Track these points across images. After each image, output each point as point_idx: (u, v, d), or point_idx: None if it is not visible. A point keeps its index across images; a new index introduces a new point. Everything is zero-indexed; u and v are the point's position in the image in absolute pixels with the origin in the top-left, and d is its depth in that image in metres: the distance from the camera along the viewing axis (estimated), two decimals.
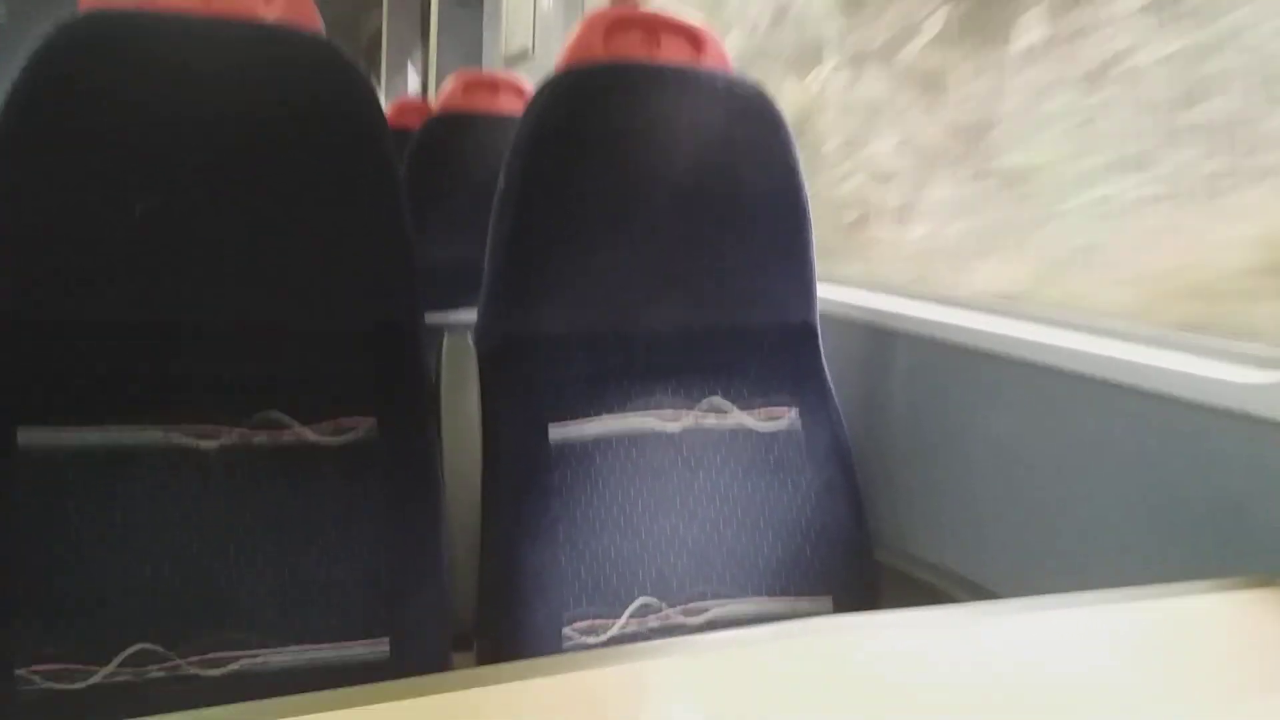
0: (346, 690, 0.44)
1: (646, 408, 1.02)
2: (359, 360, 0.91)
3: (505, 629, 0.92)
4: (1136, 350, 0.87)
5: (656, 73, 1.06)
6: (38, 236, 0.82)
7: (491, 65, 3.16)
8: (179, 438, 0.84)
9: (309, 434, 0.87)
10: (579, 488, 0.97)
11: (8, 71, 0.81)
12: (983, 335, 1.01)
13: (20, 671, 0.76)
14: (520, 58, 2.77)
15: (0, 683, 0.75)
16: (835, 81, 1.73)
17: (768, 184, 1.08)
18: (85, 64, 0.82)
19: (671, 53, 1.13)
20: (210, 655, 0.81)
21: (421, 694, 0.45)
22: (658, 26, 1.13)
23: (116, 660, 0.78)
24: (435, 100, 2.11)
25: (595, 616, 0.94)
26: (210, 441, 0.85)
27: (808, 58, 1.80)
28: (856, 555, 1.05)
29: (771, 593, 1.00)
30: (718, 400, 1.05)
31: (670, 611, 0.96)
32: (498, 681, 0.47)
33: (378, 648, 0.85)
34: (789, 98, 1.71)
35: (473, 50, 3.39)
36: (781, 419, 1.06)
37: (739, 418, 1.05)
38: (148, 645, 0.79)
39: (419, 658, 0.86)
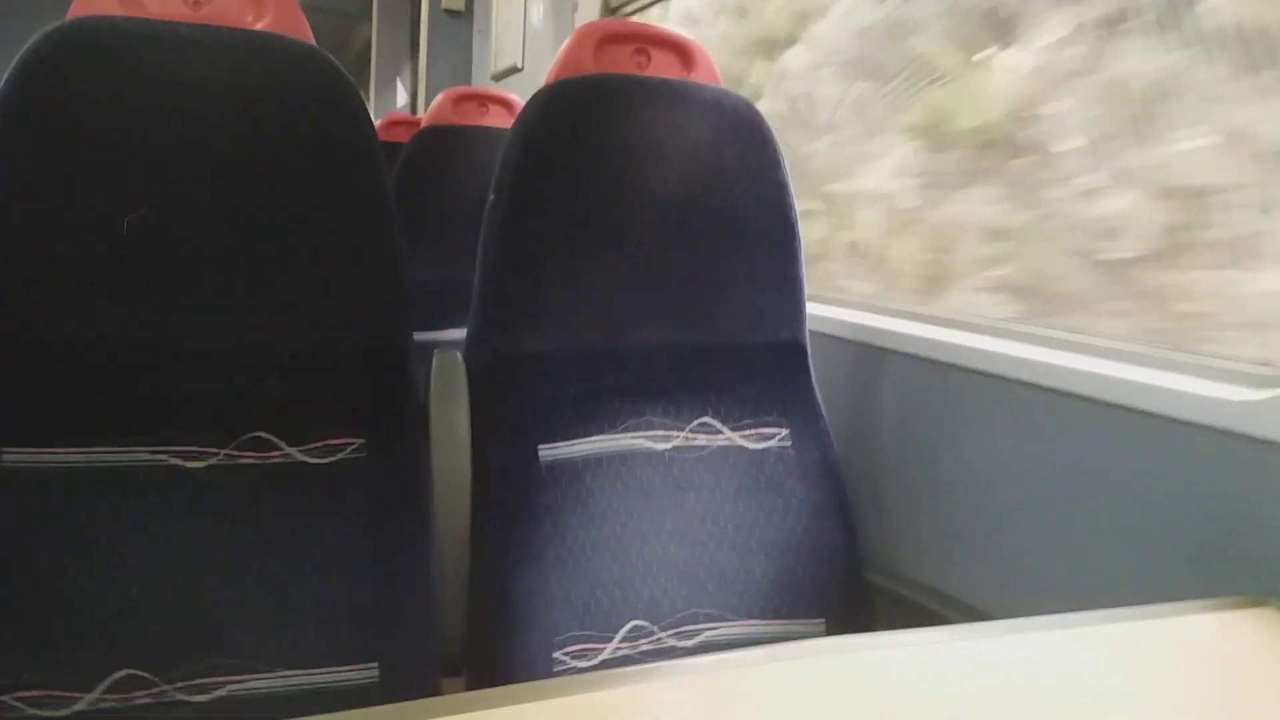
0: (335, 716, 0.43)
1: (637, 428, 1.02)
2: (348, 379, 0.90)
3: (496, 653, 0.91)
4: (1128, 369, 0.87)
5: (646, 86, 1.06)
6: (22, 253, 0.81)
7: (481, 81, 3.17)
8: (166, 459, 0.83)
9: (297, 454, 0.87)
10: (570, 509, 0.96)
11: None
12: (974, 354, 1.01)
13: (4, 698, 0.75)
14: (510, 73, 2.78)
15: None
16: (1062, 54, 1.17)
17: (757, 200, 1.08)
18: (72, 72, 0.81)
19: (661, 67, 1.13)
20: (197, 681, 0.79)
21: (411, 719, 0.44)
22: (647, 41, 1.13)
23: (102, 686, 0.77)
24: (425, 115, 2.11)
25: (587, 640, 0.93)
26: (198, 462, 0.84)
27: (983, 27, 1.30)
28: (848, 576, 1.05)
29: (764, 615, 0.99)
30: (708, 420, 1.04)
31: (662, 635, 0.96)
32: (488, 706, 0.46)
33: (367, 673, 0.84)
34: (966, 83, 1.32)
35: (462, 65, 3.40)
36: (772, 438, 1.06)
37: (729, 437, 1.05)
38: (134, 671, 0.78)
39: (408, 683, 0.85)
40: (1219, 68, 0.96)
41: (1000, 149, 1.25)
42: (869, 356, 1.16)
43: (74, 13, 0.87)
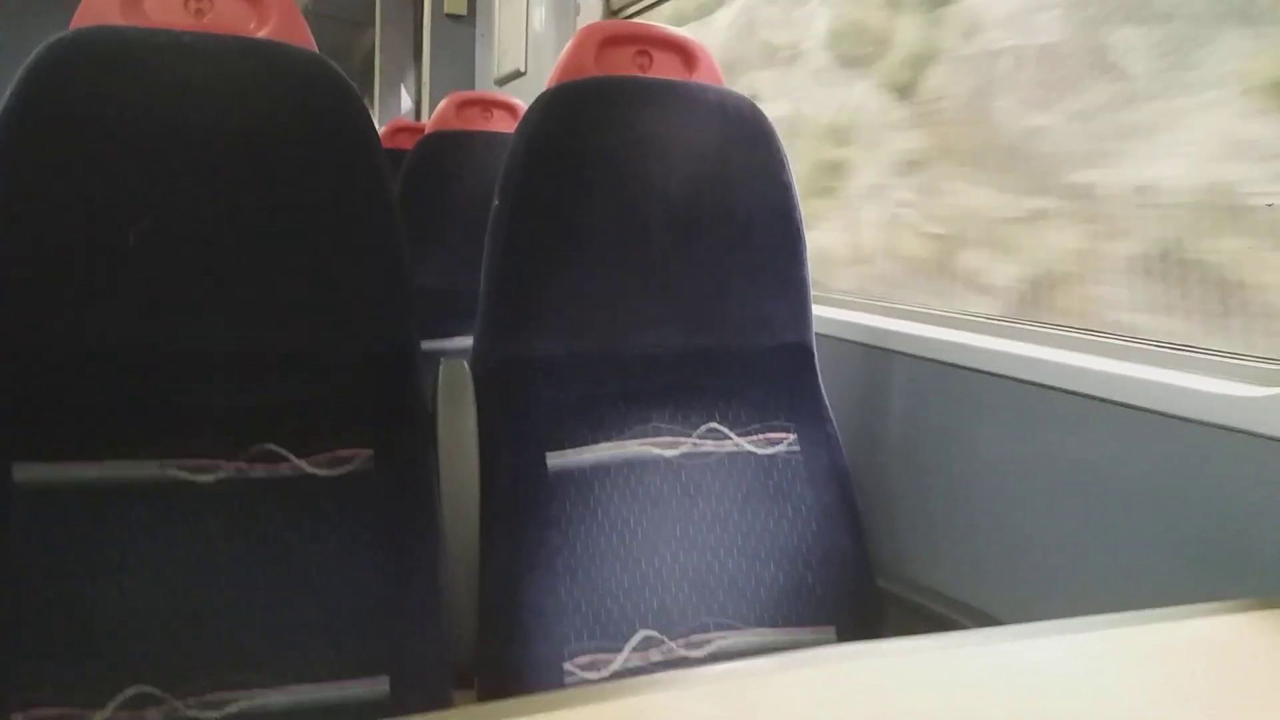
0: None
1: (645, 434, 1.01)
2: (355, 388, 0.90)
3: (506, 665, 0.91)
4: (1139, 368, 0.86)
5: (648, 88, 1.05)
6: (28, 262, 0.81)
7: (485, 85, 3.17)
8: (175, 472, 0.83)
9: (306, 466, 0.87)
10: (578, 517, 0.96)
11: (2, 89, 0.81)
12: (981, 354, 1.00)
13: (15, 716, 0.75)
14: (513, 77, 2.78)
15: None
16: None
17: (762, 202, 1.07)
18: (76, 82, 0.81)
19: (664, 69, 1.13)
20: (209, 696, 0.79)
21: None
22: (649, 42, 1.12)
23: (114, 704, 0.77)
24: (428, 121, 2.11)
25: (597, 651, 0.93)
26: (207, 475, 0.84)
27: None
28: (858, 582, 1.04)
29: (774, 624, 0.99)
30: (716, 425, 1.04)
31: (673, 644, 0.95)
32: (499, 718, 0.46)
33: (378, 686, 0.84)
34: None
35: (465, 71, 3.40)
36: (780, 443, 1.06)
37: (737, 442, 1.04)
38: (145, 688, 0.78)
39: (419, 695, 0.85)
40: None
41: None
42: (876, 359, 1.16)
43: (77, 23, 0.87)
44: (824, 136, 1.66)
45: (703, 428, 1.04)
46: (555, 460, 0.97)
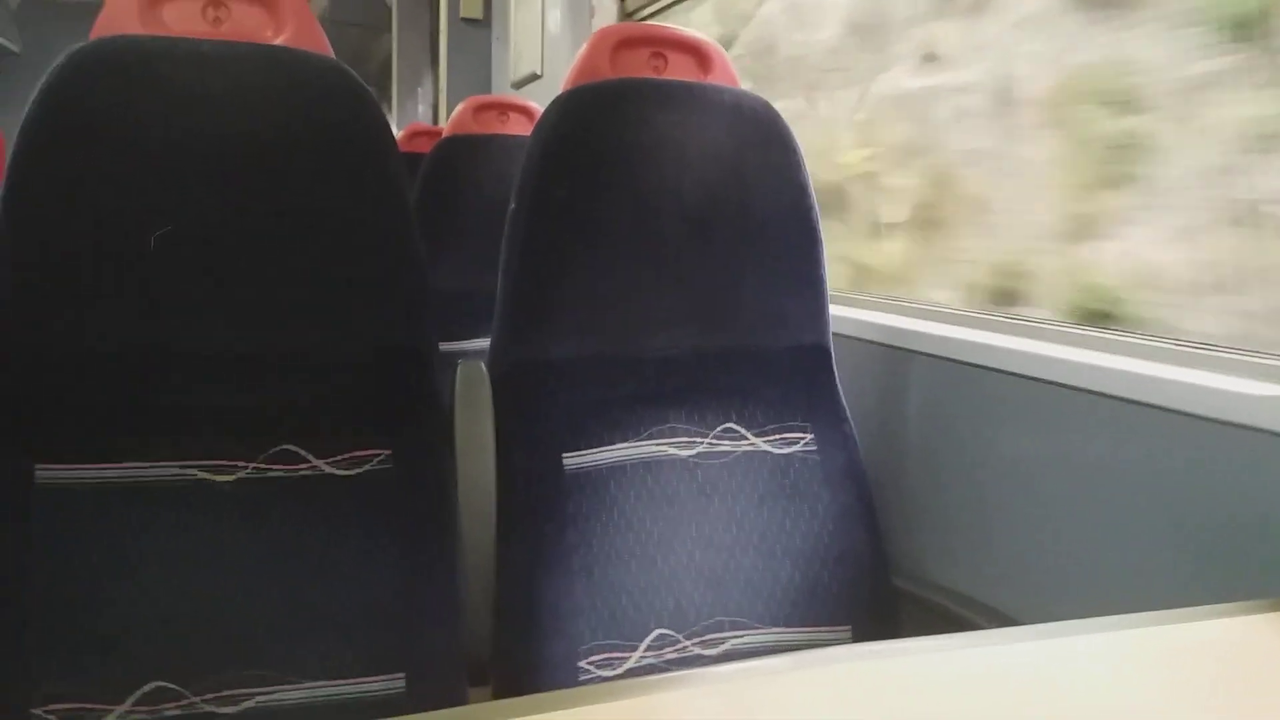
0: None
1: (661, 434, 1.01)
2: (373, 390, 0.91)
3: (522, 663, 0.92)
4: (1157, 367, 0.86)
5: (664, 90, 1.06)
6: (52, 264, 0.82)
7: (501, 89, 3.18)
8: (195, 472, 0.84)
9: (324, 466, 0.87)
10: (594, 516, 0.96)
11: (25, 99, 0.82)
12: (998, 354, 1.00)
13: (36, 711, 0.76)
14: (529, 80, 2.79)
15: None
16: None
17: (779, 203, 1.07)
18: (97, 89, 0.83)
19: (679, 70, 1.13)
20: (226, 693, 0.80)
21: None
22: (664, 44, 1.13)
23: (132, 699, 0.78)
24: (446, 125, 2.12)
25: (612, 649, 0.93)
26: (226, 476, 0.84)
27: None
28: (874, 582, 1.04)
29: (789, 623, 0.99)
30: (732, 425, 1.04)
31: (687, 643, 0.95)
32: (515, 715, 0.46)
33: (393, 683, 0.85)
34: None
35: (482, 75, 3.42)
36: (797, 443, 1.06)
37: (754, 442, 1.04)
38: (163, 683, 0.79)
39: (435, 693, 0.86)
40: None
41: None
42: (893, 358, 1.16)
43: (97, 32, 0.88)
44: (1075, 102, 1.21)
45: (719, 427, 1.04)
46: (571, 461, 0.97)
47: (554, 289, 1.01)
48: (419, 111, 4.65)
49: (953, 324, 1.13)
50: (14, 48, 5.24)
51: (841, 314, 1.21)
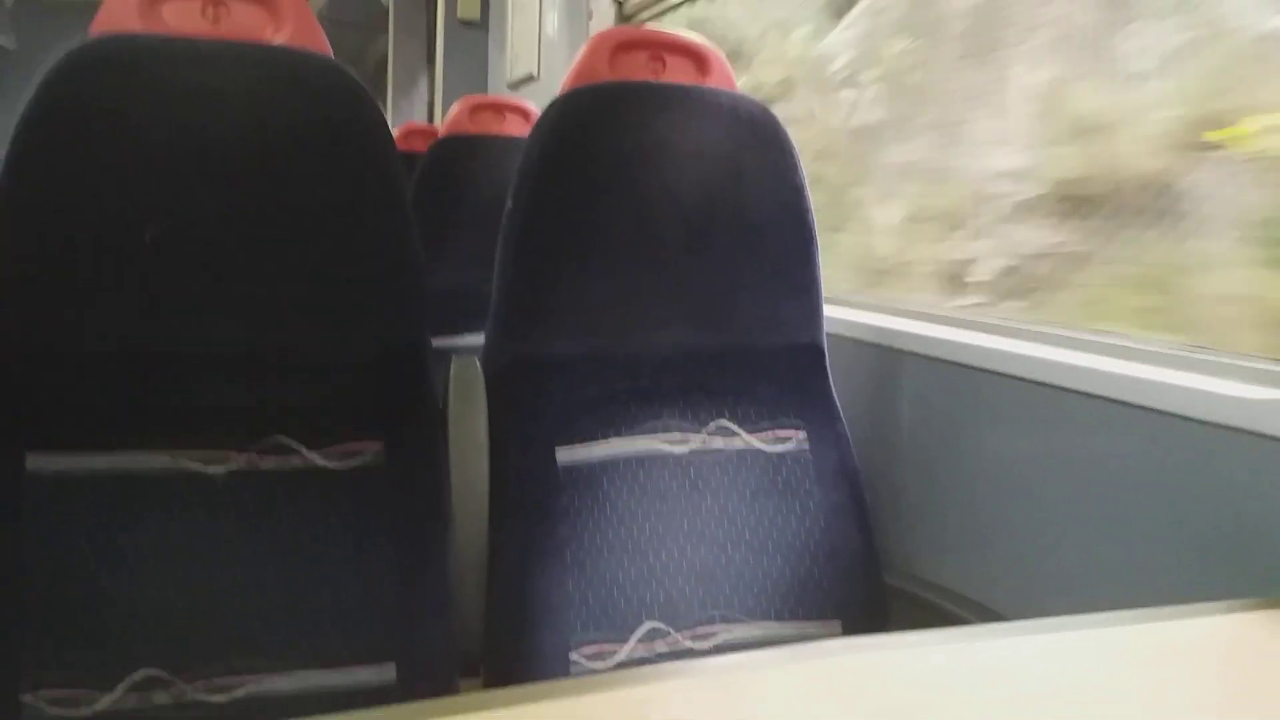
0: (353, 714, 0.43)
1: (654, 430, 1.02)
2: (367, 384, 0.91)
3: (512, 654, 0.92)
4: (1145, 369, 0.86)
5: (662, 93, 1.06)
6: (48, 262, 0.82)
7: (497, 89, 3.19)
8: (187, 463, 0.84)
9: (317, 459, 0.87)
10: (586, 511, 0.96)
11: (20, 97, 0.82)
12: (991, 355, 1.00)
13: (26, 697, 0.76)
14: (525, 82, 2.79)
15: (6, 708, 0.75)
16: None
17: (774, 204, 1.08)
18: (96, 88, 0.83)
19: (677, 73, 1.14)
20: (216, 681, 0.80)
21: (428, 718, 0.45)
22: (663, 47, 1.13)
23: (122, 686, 0.78)
24: (442, 124, 2.13)
25: (603, 642, 0.94)
26: (218, 467, 0.85)
27: None
28: (865, 578, 1.05)
29: (780, 617, 0.99)
30: (725, 423, 1.05)
31: (678, 636, 0.96)
32: (505, 705, 0.46)
33: (384, 673, 0.85)
34: None
35: (478, 75, 3.42)
36: (789, 441, 1.06)
37: (746, 440, 1.05)
38: (153, 671, 0.79)
39: (426, 683, 0.86)
40: None
41: None
42: (886, 359, 1.16)
43: (96, 30, 0.88)
44: None
45: (712, 425, 1.04)
46: (565, 455, 0.98)
47: (549, 288, 1.01)
48: (414, 111, 4.65)
49: (945, 325, 1.14)
50: (9, 45, 5.22)
51: (835, 314, 1.21)
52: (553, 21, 2.57)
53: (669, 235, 1.04)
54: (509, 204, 1.02)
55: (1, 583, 0.77)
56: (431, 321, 0.95)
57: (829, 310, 1.13)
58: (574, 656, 0.92)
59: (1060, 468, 0.92)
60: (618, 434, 1.00)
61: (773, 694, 0.50)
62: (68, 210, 0.82)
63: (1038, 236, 1.18)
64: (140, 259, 0.84)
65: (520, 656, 0.91)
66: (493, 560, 0.95)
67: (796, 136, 1.11)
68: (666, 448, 1.02)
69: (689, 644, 0.96)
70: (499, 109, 2.05)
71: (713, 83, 1.13)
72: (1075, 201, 1.13)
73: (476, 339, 1.06)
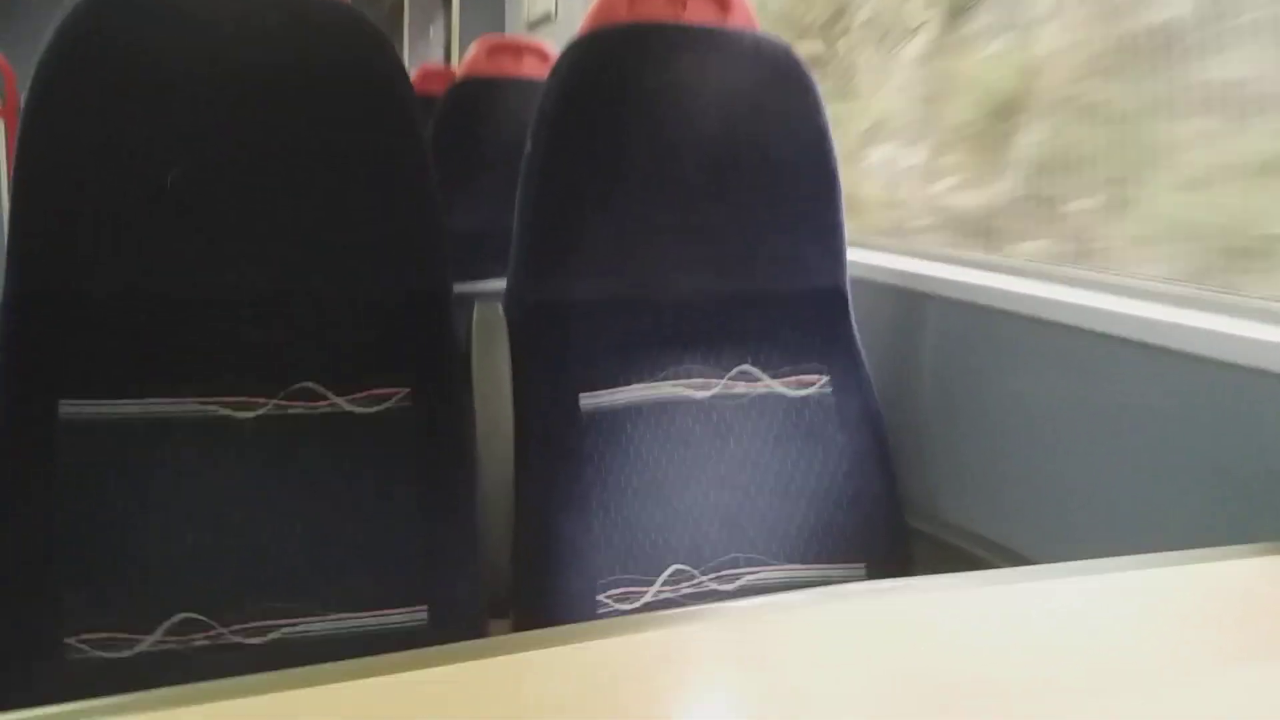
0: (386, 657, 0.44)
1: (677, 375, 1.02)
2: (392, 329, 0.92)
3: (540, 596, 0.93)
4: (1171, 311, 0.86)
5: (683, 33, 1.05)
6: (68, 206, 0.82)
7: (514, 30, 3.14)
8: (216, 409, 0.85)
9: (344, 404, 0.88)
10: (611, 455, 0.97)
11: (31, 37, 0.82)
12: (1014, 298, 1.00)
13: (69, 640, 0.78)
14: (543, 22, 2.75)
15: (50, 651, 0.77)
16: None
17: (797, 146, 1.07)
18: (111, 30, 0.82)
19: (698, 14, 1.12)
20: (251, 624, 0.82)
21: (459, 660, 0.46)
22: None
23: (161, 629, 0.80)
24: (459, 66, 2.10)
25: (629, 584, 0.95)
26: (246, 413, 0.86)
27: None
28: (888, 522, 1.05)
29: (804, 560, 1.00)
30: (748, 367, 1.05)
31: (703, 578, 0.97)
32: (535, 647, 0.47)
33: (416, 615, 0.86)
34: None
35: (495, 15, 3.37)
36: (812, 385, 1.06)
37: (769, 384, 1.05)
38: (191, 614, 0.81)
39: (456, 625, 0.87)
40: None
41: None
42: (910, 302, 1.16)
43: None
44: None
45: (735, 370, 1.04)
46: (588, 400, 0.98)
47: (571, 232, 1.01)
48: (430, 52, 4.60)
49: (969, 268, 1.13)
50: None
51: (858, 258, 1.20)
52: None
53: (690, 178, 1.03)
54: (528, 147, 1.02)
55: (37, 529, 0.79)
56: (454, 266, 0.95)
57: (852, 254, 1.12)
58: (601, 598, 0.94)
59: (1085, 411, 0.92)
60: (640, 379, 1.01)
61: (797, 636, 0.50)
62: (89, 152, 0.82)
63: None
64: (156, 199, 0.84)
65: (548, 598, 0.93)
66: (519, 504, 0.96)
67: (1051, 37, 0.90)
68: (689, 393, 1.02)
69: (714, 586, 0.97)
70: (517, 50, 2.02)
71: (734, 23, 1.11)
72: None
73: (499, 284, 1.06)
